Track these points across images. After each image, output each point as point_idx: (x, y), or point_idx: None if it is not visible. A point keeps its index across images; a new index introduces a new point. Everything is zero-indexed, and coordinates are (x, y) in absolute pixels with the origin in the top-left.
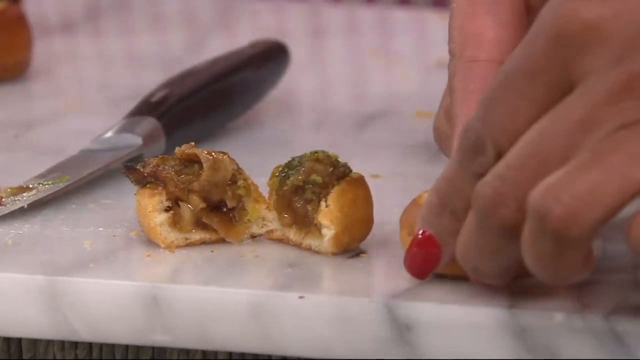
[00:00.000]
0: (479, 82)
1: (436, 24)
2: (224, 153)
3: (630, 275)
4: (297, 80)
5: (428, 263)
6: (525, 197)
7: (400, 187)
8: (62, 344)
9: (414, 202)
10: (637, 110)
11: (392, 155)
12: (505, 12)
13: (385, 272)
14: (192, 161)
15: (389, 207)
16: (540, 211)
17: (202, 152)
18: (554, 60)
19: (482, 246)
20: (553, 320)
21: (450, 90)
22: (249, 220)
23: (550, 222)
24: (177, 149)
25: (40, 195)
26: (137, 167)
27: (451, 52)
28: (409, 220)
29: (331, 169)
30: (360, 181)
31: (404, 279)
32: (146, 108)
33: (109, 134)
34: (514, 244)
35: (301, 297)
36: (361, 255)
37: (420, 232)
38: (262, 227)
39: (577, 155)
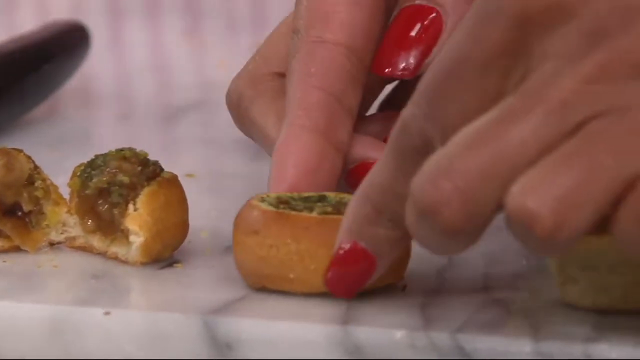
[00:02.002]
0: (321, 65)
1: (248, 5)
2: (18, 150)
3: (481, 288)
4: (97, 66)
5: (359, 279)
6: (475, 196)
7: (216, 187)
8: None
9: (249, 205)
10: (613, 96)
11: (207, 151)
12: None
13: (202, 285)
14: None
15: (205, 211)
16: (524, 218)
17: None
18: (513, 43)
19: (427, 242)
20: (392, 338)
21: (288, 71)
22: (47, 225)
23: (537, 230)
24: None
25: None
26: None
27: (295, 29)
28: (244, 224)
29: (140, 168)
30: (173, 181)
31: (224, 292)
32: None
33: None
34: (464, 240)
35: (107, 313)
36: (175, 265)
37: (346, 245)
38: (62, 233)
39: (545, 148)
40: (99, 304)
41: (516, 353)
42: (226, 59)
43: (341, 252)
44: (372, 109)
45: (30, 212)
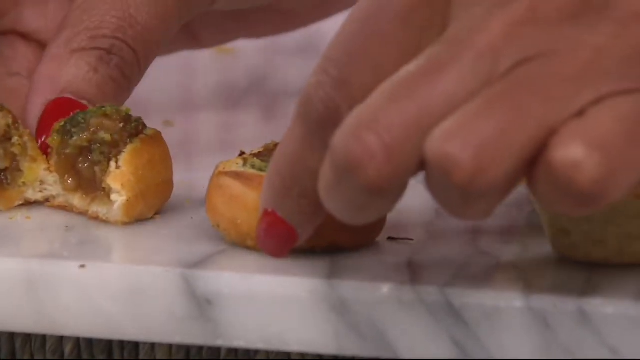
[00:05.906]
0: None
1: None
2: None
3: (469, 240)
4: None
5: (284, 243)
6: (401, 150)
7: (194, 134)
8: None
9: (219, 173)
10: (539, 41)
11: (183, 96)
12: None
13: (181, 237)
14: None
15: (184, 160)
16: (443, 164)
17: None
18: None
19: (342, 207)
20: (379, 293)
21: None
22: (23, 183)
23: (456, 176)
24: None
25: None
26: None
27: None
28: (212, 193)
29: (122, 125)
30: (157, 139)
31: (204, 245)
32: None
33: None
34: (386, 199)
35: (82, 266)
36: (153, 216)
37: (267, 211)
38: (40, 191)
39: (471, 97)
40: (74, 257)
41: (507, 309)
42: None
43: (264, 218)
44: None
45: (6, 169)
